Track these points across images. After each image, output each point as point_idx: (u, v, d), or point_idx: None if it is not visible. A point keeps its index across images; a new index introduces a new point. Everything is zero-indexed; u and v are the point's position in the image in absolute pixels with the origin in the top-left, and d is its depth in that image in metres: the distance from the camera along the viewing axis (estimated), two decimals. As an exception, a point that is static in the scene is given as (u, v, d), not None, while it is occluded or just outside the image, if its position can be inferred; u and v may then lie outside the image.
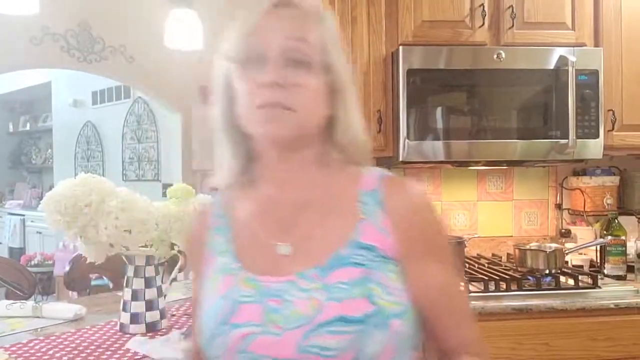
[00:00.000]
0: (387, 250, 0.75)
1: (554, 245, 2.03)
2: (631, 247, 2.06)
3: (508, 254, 2.37)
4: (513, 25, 2.09)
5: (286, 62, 0.76)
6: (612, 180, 2.37)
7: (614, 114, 2.13)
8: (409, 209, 0.78)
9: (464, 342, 0.80)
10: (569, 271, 1.97)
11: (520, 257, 2.00)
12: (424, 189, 0.90)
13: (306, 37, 0.79)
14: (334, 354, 0.69)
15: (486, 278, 1.88)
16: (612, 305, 1.76)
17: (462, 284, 0.77)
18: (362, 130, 0.87)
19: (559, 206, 2.49)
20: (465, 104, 2.04)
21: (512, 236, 2.48)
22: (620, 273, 2.03)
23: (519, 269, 2.01)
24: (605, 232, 2.10)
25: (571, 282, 1.90)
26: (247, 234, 0.82)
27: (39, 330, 1.46)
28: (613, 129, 2.13)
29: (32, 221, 6.25)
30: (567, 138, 1.99)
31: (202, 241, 0.86)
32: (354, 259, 0.73)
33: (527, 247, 2.02)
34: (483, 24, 2.09)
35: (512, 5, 2.09)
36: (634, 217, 2.32)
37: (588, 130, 2.03)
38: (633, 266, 2.05)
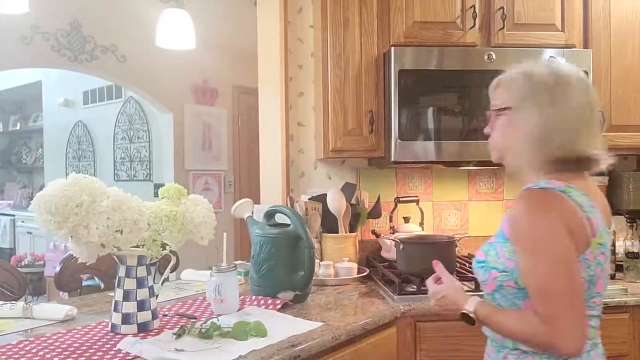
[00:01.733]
0: (506, 233, 1.18)
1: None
2: (620, 247, 2.09)
3: (499, 254, 2.38)
4: (504, 27, 2.11)
5: None
6: (601, 181, 2.39)
7: (602, 115, 2.15)
8: (514, 210, 1.16)
9: (534, 308, 1.11)
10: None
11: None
12: (532, 198, 1.15)
13: None
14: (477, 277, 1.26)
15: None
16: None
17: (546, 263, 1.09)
18: None
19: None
20: (456, 104, 2.05)
21: (502, 236, 2.49)
22: (609, 272, 2.04)
23: None
24: (594, 231, 2.12)
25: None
26: None
27: (29, 331, 1.45)
28: (602, 129, 2.15)
29: (22, 221, 6.21)
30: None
31: (582, 222, 1.10)
32: (497, 232, 1.23)
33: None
34: (474, 25, 2.11)
35: (502, 7, 2.11)
36: (622, 217, 2.34)
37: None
38: (622, 265, 2.07)
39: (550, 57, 2.03)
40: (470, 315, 1.19)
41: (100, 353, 1.25)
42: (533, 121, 1.14)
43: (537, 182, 1.15)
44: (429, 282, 1.35)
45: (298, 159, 2.45)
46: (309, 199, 2.24)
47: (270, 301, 1.66)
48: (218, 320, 1.42)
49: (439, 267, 1.36)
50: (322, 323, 1.49)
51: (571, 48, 2.12)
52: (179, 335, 1.33)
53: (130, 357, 1.22)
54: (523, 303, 1.15)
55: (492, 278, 1.18)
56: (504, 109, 1.20)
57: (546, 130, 1.13)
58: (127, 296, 1.40)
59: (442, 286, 1.31)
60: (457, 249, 1.99)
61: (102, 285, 2.15)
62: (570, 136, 1.13)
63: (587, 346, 1.12)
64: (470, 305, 1.20)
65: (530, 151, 1.16)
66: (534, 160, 1.17)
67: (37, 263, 5.03)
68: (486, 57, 2.03)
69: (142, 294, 1.42)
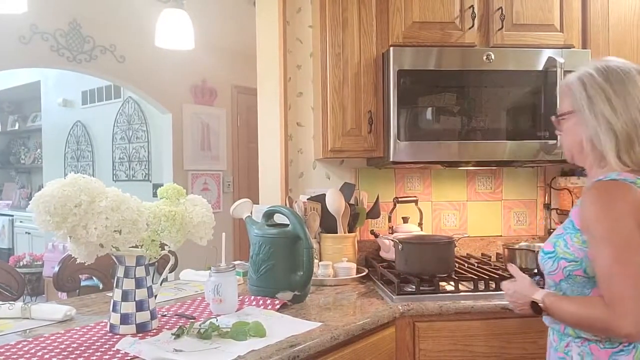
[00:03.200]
0: (576, 224, 1.25)
1: (542, 245, 2.04)
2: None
3: (497, 254, 2.39)
4: (502, 27, 2.11)
5: None
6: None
7: (601, 115, 2.16)
8: (582, 201, 1.24)
9: (600, 292, 1.17)
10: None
11: (510, 256, 2.02)
12: (602, 189, 1.19)
13: None
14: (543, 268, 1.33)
15: (476, 277, 1.89)
16: (599, 304, 1.78)
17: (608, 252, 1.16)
18: None
19: (547, 206, 2.51)
20: (455, 104, 2.06)
21: (501, 236, 2.50)
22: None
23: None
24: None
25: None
26: None
27: (27, 331, 1.45)
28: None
29: (21, 221, 6.20)
30: (556, 139, 2.02)
31: None
32: (565, 224, 1.30)
33: (516, 246, 2.04)
34: (473, 25, 2.11)
35: (501, 7, 2.11)
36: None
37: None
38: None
39: (549, 57, 2.04)
40: (539, 304, 1.27)
41: (98, 353, 1.25)
42: (592, 122, 1.23)
43: (608, 174, 1.21)
44: (504, 283, 1.45)
45: (297, 159, 2.45)
46: (307, 199, 2.24)
47: (269, 301, 1.66)
48: (217, 320, 1.42)
49: (512, 268, 1.47)
50: (321, 323, 1.49)
51: (570, 48, 2.13)
52: (177, 336, 1.33)
53: (129, 358, 1.22)
54: (591, 292, 1.22)
55: (560, 268, 1.26)
56: (567, 113, 1.30)
57: (606, 128, 1.21)
58: (125, 296, 1.40)
59: (513, 283, 1.40)
60: (455, 249, 1.99)
61: (101, 286, 2.15)
62: (632, 130, 1.21)
63: None
64: (538, 294, 1.28)
65: (604, 144, 1.22)
66: (611, 153, 1.21)
67: (35, 263, 5.03)
68: (485, 57, 2.03)
69: (141, 294, 1.42)
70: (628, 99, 1.21)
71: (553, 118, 1.37)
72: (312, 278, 1.76)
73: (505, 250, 2.05)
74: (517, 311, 1.39)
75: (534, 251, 1.99)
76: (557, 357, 1.31)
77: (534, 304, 1.29)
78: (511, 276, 1.46)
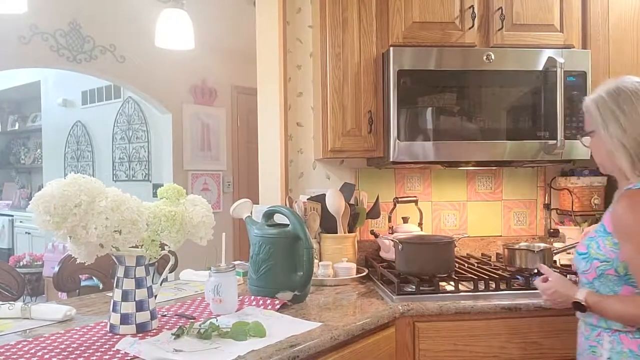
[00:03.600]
0: (608, 228, 1.38)
1: (542, 245, 2.05)
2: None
3: (497, 254, 2.39)
4: (502, 27, 2.11)
5: None
6: (600, 181, 2.40)
7: (601, 115, 2.16)
8: (614, 208, 1.38)
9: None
10: (557, 271, 1.99)
11: (510, 256, 2.02)
12: (631, 197, 1.34)
13: None
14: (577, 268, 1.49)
15: (476, 277, 1.89)
16: (599, 304, 1.78)
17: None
18: None
19: (547, 206, 2.51)
20: (455, 104, 2.06)
21: (501, 236, 2.50)
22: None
23: (508, 268, 2.03)
24: (593, 232, 2.13)
25: (559, 281, 1.92)
26: None
27: (27, 331, 1.45)
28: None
29: (20, 222, 6.21)
30: (556, 139, 2.02)
31: None
32: (597, 228, 1.42)
33: (516, 246, 2.04)
34: (473, 25, 2.11)
35: (501, 7, 2.11)
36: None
37: (576, 131, 2.05)
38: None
39: (549, 57, 2.04)
40: (582, 303, 1.39)
41: (98, 353, 1.25)
42: (608, 141, 1.38)
43: (636, 184, 1.35)
44: (538, 282, 1.57)
45: (297, 159, 2.45)
46: (307, 199, 2.24)
47: (269, 301, 1.66)
48: (217, 320, 1.42)
49: (544, 268, 1.59)
50: (320, 323, 1.49)
51: (570, 48, 2.13)
52: (177, 336, 1.33)
53: (128, 358, 1.22)
54: (622, 289, 1.37)
55: (594, 267, 1.40)
56: (589, 132, 1.46)
57: (619, 146, 1.36)
58: (125, 296, 1.40)
59: (552, 282, 1.51)
60: (455, 249, 1.99)
61: (101, 286, 2.15)
62: None
63: None
64: (580, 294, 1.40)
65: (619, 160, 1.37)
66: (627, 166, 1.36)
67: (35, 263, 5.03)
68: (485, 57, 2.03)
69: (141, 294, 1.41)
70: (635, 115, 1.35)
71: (579, 136, 1.58)
72: (312, 278, 1.76)
73: (505, 250, 2.05)
74: (554, 307, 1.53)
75: (534, 251, 1.99)
76: (589, 345, 1.45)
77: (576, 304, 1.41)
78: (539, 273, 1.60)
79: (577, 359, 1.53)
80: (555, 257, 2.13)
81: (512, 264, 2.01)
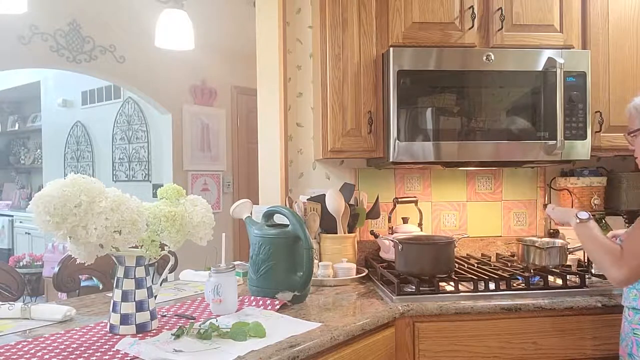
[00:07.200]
0: None
1: (558, 242, 2.04)
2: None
3: (497, 254, 2.39)
4: (502, 28, 2.11)
5: None
6: (600, 181, 2.40)
7: (601, 115, 2.16)
8: None
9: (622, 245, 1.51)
10: (557, 271, 1.99)
11: (524, 253, 2.01)
12: None
13: None
14: None
15: (475, 278, 1.89)
16: (599, 305, 1.78)
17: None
18: None
19: (547, 206, 2.51)
20: (455, 105, 2.06)
21: (501, 236, 2.50)
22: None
23: (521, 265, 2.03)
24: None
25: (559, 281, 1.92)
26: None
27: (27, 331, 1.45)
28: (600, 130, 2.16)
29: (20, 222, 6.21)
30: (555, 139, 2.02)
31: None
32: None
33: (533, 243, 2.03)
34: (472, 25, 2.11)
35: (501, 8, 2.11)
36: (620, 217, 2.35)
37: (576, 131, 2.05)
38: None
39: (549, 58, 2.04)
40: (578, 220, 1.62)
41: (98, 354, 1.25)
42: None
43: None
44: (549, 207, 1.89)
45: (297, 160, 2.46)
46: (307, 200, 2.24)
47: (269, 302, 1.67)
48: (217, 320, 1.42)
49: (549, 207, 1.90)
50: (320, 323, 1.49)
51: (570, 49, 2.13)
52: (177, 336, 1.33)
53: (128, 358, 1.22)
54: None
55: None
56: (635, 130, 1.61)
57: None
58: (125, 297, 1.40)
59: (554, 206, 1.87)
60: (455, 249, 1.99)
61: (101, 286, 2.15)
62: None
63: None
64: (583, 214, 1.63)
65: None
66: None
67: (35, 263, 5.03)
68: (485, 57, 2.03)
69: (141, 294, 1.42)
70: None
71: (625, 134, 1.67)
72: (312, 278, 1.76)
73: (520, 245, 2.04)
74: (555, 221, 1.84)
75: (544, 248, 1.97)
76: (631, 328, 1.57)
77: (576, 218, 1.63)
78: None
79: (619, 344, 1.63)
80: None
81: (526, 260, 2.00)
